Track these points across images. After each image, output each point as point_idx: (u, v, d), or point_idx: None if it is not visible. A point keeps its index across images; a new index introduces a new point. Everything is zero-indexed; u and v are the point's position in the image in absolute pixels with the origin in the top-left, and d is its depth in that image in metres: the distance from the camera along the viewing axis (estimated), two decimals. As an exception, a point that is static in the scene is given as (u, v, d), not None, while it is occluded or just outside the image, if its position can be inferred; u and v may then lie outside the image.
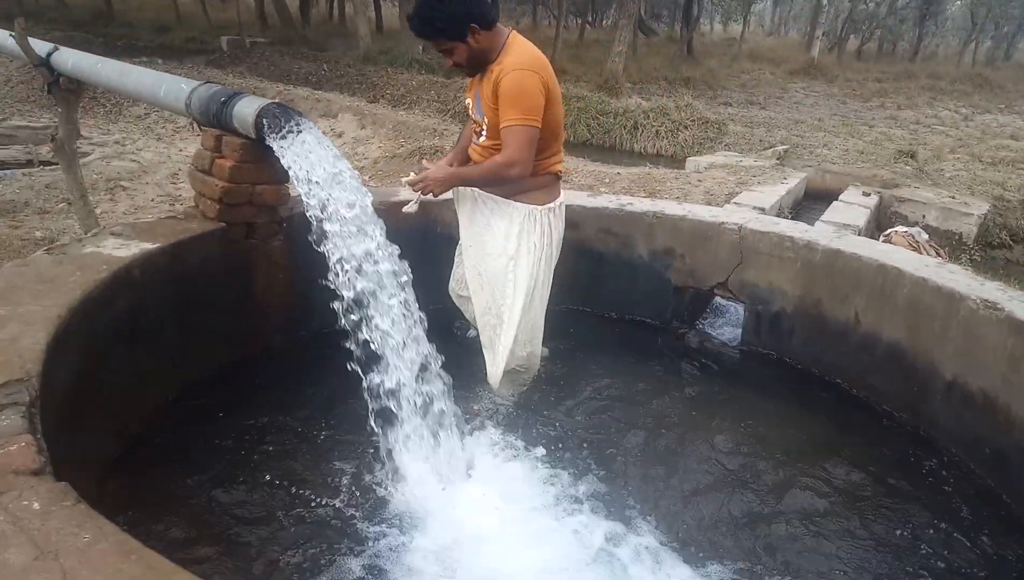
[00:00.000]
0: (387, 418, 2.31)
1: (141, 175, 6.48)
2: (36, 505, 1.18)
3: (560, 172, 2.65)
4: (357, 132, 8.67)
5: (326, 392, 2.77)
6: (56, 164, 6.22)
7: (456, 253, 2.98)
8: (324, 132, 2.63)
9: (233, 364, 2.89)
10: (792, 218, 5.77)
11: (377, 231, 2.33)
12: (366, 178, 6.49)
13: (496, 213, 2.59)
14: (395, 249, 2.35)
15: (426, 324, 2.36)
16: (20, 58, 4.79)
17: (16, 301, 1.92)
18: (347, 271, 2.25)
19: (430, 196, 2.56)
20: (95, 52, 3.96)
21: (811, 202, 6.83)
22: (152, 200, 5.80)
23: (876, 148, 10.68)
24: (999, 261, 6.66)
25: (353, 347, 2.24)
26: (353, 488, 2.32)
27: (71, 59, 3.86)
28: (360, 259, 2.28)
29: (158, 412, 2.55)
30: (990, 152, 10.76)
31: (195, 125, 2.98)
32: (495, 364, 2.74)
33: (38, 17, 18.39)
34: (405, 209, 2.80)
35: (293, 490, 2.29)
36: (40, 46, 4.01)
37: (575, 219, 3.58)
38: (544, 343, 2.85)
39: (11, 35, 4.09)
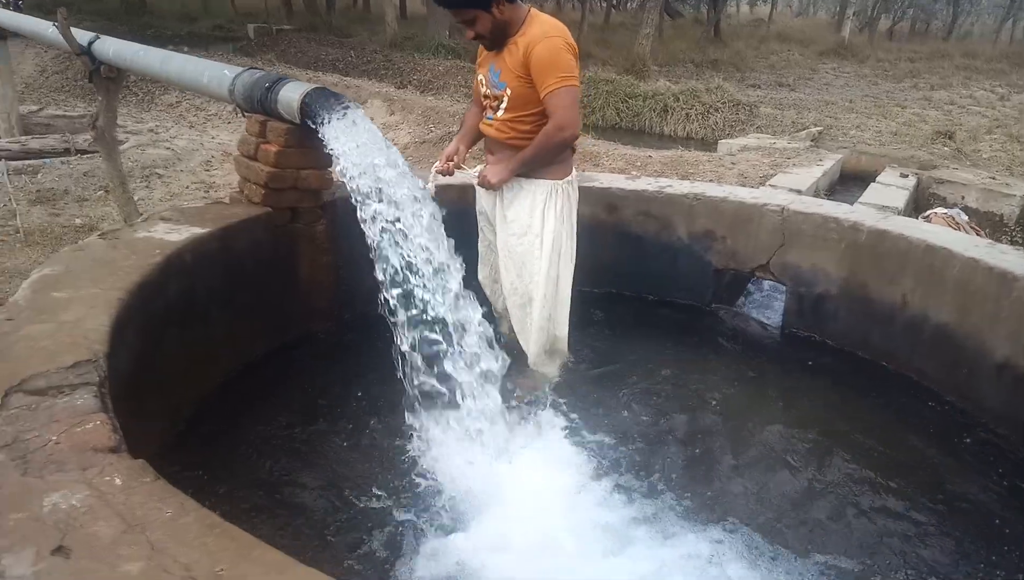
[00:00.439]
0: (432, 402, 2.33)
1: (175, 163, 6.55)
2: (118, 481, 1.21)
3: (575, 146, 2.68)
4: (387, 118, 8.68)
5: (371, 374, 2.79)
6: (93, 153, 6.32)
7: (480, 242, 2.99)
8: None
9: (279, 348, 2.93)
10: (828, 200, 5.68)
11: (428, 214, 2.34)
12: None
13: (518, 191, 2.63)
14: (443, 234, 2.36)
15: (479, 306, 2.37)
16: (61, 48, 4.86)
17: (76, 284, 1.96)
18: (397, 256, 2.26)
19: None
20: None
21: (847, 184, 6.73)
22: (187, 187, 5.87)
23: (910, 129, 10.49)
24: (1041, 243, 6.51)
25: (401, 330, 2.26)
26: (401, 471, 2.34)
27: (112, 48, 3.91)
28: (409, 244, 2.29)
29: (208, 396, 2.59)
30: (1029, 132, 10.52)
31: (227, 113, 3.02)
32: (530, 343, 2.76)
33: (68, 7, 18.57)
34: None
35: (341, 472, 2.32)
36: (81, 35, 4.07)
37: (613, 202, 3.58)
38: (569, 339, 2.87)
39: (54, 24, 4.15)
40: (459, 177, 3.03)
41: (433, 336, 2.28)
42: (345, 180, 2.34)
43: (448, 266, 2.33)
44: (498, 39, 2.45)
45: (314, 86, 2.57)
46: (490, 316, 2.70)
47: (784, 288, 3.43)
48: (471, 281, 2.45)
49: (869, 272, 3.10)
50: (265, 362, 2.85)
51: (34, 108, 8.09)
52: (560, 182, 2.62)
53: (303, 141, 2.69)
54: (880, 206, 5.14)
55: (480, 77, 2.65)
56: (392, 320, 2.26)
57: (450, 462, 2.34)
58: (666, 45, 18.85)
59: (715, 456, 2.52)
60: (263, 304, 2.83)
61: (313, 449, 2.43)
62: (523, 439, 2.48)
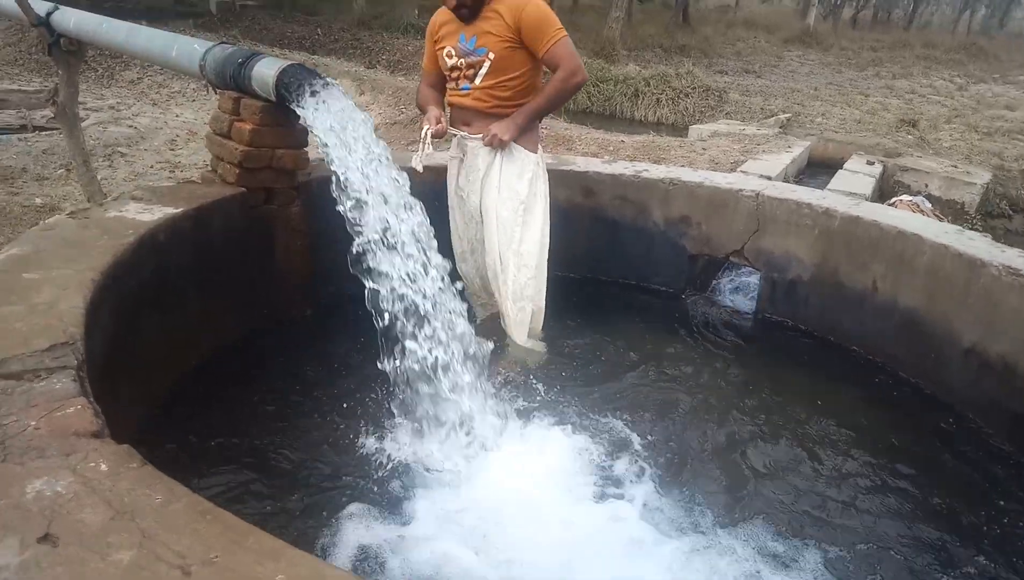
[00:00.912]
0: (413, 382, 2.32)
1: (139, 141, 6.38)
2: (104, 467, 1.17)
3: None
4: (356, 98, 8.53)
5: (348, 356, 2.77)
6: (51, 129, 6.12)
7: (453, 234, 2.98)
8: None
9: (254, 330, 2.88)
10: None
11: (403, 192, 2.31)
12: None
13: (507, 159, 2.70)
14: (420, 209, 2.34)
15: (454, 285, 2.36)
16: (15, 18, 4.67)
17: (47, 265, 1.89)
18: (375, 234, 2.23)
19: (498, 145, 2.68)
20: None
21: (814, 171, 6.84)
22: (151, 166, 5.72)
23: (873, 117, 10.67)
24: (999, 231, 6.69)
25: (378, 306, 2.23)
26: (381, 451, 2.32)
27: (73, 18, 3.76)
28: (385, 222, 2.26)
29: (183, 379, 2.54)
30: (986, 122, 10.79)
31: (190, 90, 2.94)
32: (514, 313, 2.79)
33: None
34: (412, 163, 2.74)
35: (318, 455, 2.30)
36: (39, 5, 3.90)
37: (590, 186, 3.58)
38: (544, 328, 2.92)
39: (10, -7, 3.98)
40: (437, 157, 3.00)
41: (412, 308, 2.25)
42: (326, 159, 2.30)
43: (427, 246, 2.31)
44: (476, 8, 2.54)
45: (290, 63, 2.50)
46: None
47: (758, 274, 3.47)
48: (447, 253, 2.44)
49: (841, 258, 3.15)
50: (240, 345, 2.80)
51: (-13, 82, 7.80)
52: (538, 155, 2.75)
53: (279, 119, 2.63)
54: (848, 193, 5.23)
55: (447, 49, 2.66)
56: (371, 294, 2.23)
57: (431, 444, 2.33)
58: (635, 29, 18.85)
59: (686, 440, 2.53)
60: (237, 285, 2.77)
61: (291, 432, 2.39)
62: (499, 422, 2.48)
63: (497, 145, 2.65)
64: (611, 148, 6.42)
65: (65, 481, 1.14)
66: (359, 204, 2.22)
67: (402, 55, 12.94)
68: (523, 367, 2.82)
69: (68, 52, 3.98)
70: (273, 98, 2.50)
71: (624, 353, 3.06)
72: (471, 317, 2.47)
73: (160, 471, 1.20)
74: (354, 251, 2.21)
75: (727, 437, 2.57)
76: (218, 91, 2.81)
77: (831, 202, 3.23)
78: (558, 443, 2.41)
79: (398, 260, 2.24)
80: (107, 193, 4.35)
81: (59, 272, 1.86)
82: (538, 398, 2.66)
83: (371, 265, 2.21)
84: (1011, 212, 6.90)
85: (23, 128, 6.31)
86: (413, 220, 2.30)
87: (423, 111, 2.79)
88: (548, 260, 2.84)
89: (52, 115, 5.18)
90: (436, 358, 2.27)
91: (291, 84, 2.40)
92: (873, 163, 6.59)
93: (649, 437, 2.51)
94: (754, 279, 3.59)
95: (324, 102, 2.36)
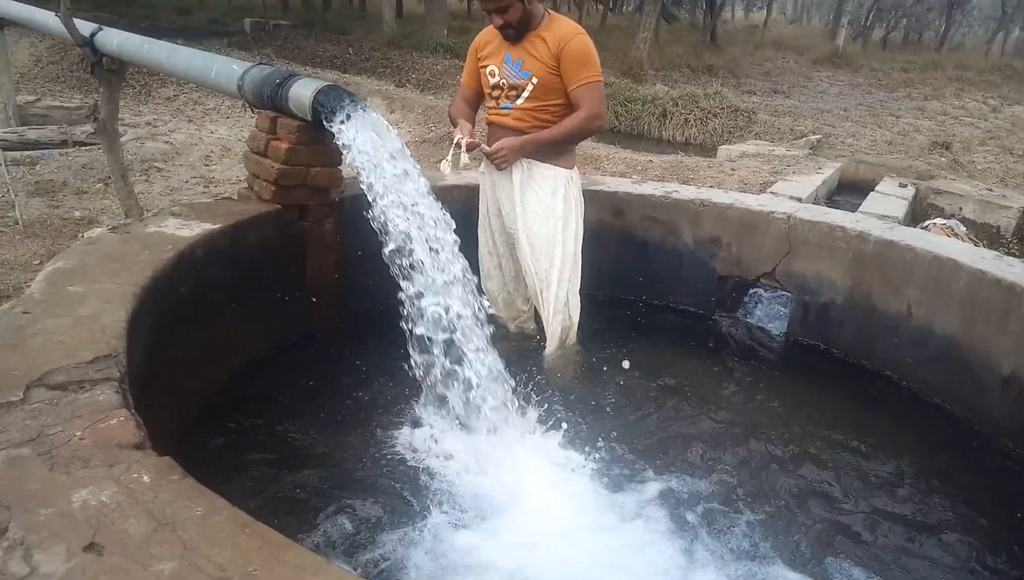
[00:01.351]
0: (443, 396, 2.34)
1: (174, 157, 6.51)
2: (146, 478, 1.19)
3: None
4: (387, 116, 8.62)
5: (378, 372, 2.78)
6: (91, 145, 6.27)
7: (481, 249, 3.01)
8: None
9: (286, 345, 2.92)
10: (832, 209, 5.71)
11: (437, 214, 2.34)
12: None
13: (539, 177, 2.73)
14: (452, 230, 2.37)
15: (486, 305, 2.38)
16: (60, 38, 4.81)
17: (91, 278, 1.94)
18: (408, 254, 2.25)
19: (502, 166, 2.71)
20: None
21: (845, 193, 6.77)
22: (186, 181, 5.83)
23: (904, 139, 10.56)
24: (1035, 255, 6.57)
25: (409, 327, 2.25)
26: (411, 463, 2.34)
27: (116, 39, 3.87)
28: (419, 241, 2.28)
29: (215, 393, 2.57)
30: (1022, 144, 10.62)
31: (225, 107, 3.00)
32: (553, 329, 2.84)
33: (62, -3, 18.40)
34: (441, 167, 2.77)
35: (350, 469, 2.31)
36: (84, 26, 4.02)
37: (620, 206, 3.58)
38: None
39: (56, 15, 4.10)
40: (468, 176, 3.03)
41: (442, 321, 2.28)
42: (360, 177, 2.33)
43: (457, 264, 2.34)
44: (522, 30, 2.58)
45: (326, 83, 2.55)
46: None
47: (789, 296, 3.44)
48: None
49: (875, 282, 3.11)
50: (273, 359, 2.84)
51: (31, 98, 8.01)
52: (572, 171, 2.81)
53: (314, 138, 2.68)
54: (880, 215, 5.16)
55: (491, 68, 2.70)
56: (404, 302, 2.25)
57: (461, 458, 2.33)
58: (663, 49, 18.90)
59: (718, 461, 2.52)
60: (271, 301, 2.81)
61: (322, 446, 2.42)
62: (528, 437, 2.48)
63: (499, 161, 2.68)
64: (639, 168, 6.42)
65: (109, 491, 1.16)
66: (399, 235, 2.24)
67: (431, 74, 13.08)
68: (564, 378, 2.84)
69: (110, 71, 4.09)
70: (309, 118, 2.54)
71: (652, 375, 3.04)
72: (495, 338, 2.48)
73: (200, 483, 1.22)
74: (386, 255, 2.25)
75: (757, 464, 2.54)
76: (256, 110, 2.88)
77: (865, 226, 3.20)
78: (588, 463, 2.41)
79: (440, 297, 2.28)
80: (144, 207, 4.44)
81: (102, 286, 1.91)
82: (569, 420, 2.65)
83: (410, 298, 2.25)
84: (1048, 237, 6.75)
85: (64, 143, 6.46)
86: (448, 239, 2.33)
87: (454, 123, 2.84)
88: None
89: (92, 131, 5.32)
90: (470, 379, 2.29)
91: (327, 105, 2.45)
92: (905, 185, 6.51)
93: (684, 461, 2.50)
94: (784, 301, 3.56)
95: (366, 123, 2.40)
